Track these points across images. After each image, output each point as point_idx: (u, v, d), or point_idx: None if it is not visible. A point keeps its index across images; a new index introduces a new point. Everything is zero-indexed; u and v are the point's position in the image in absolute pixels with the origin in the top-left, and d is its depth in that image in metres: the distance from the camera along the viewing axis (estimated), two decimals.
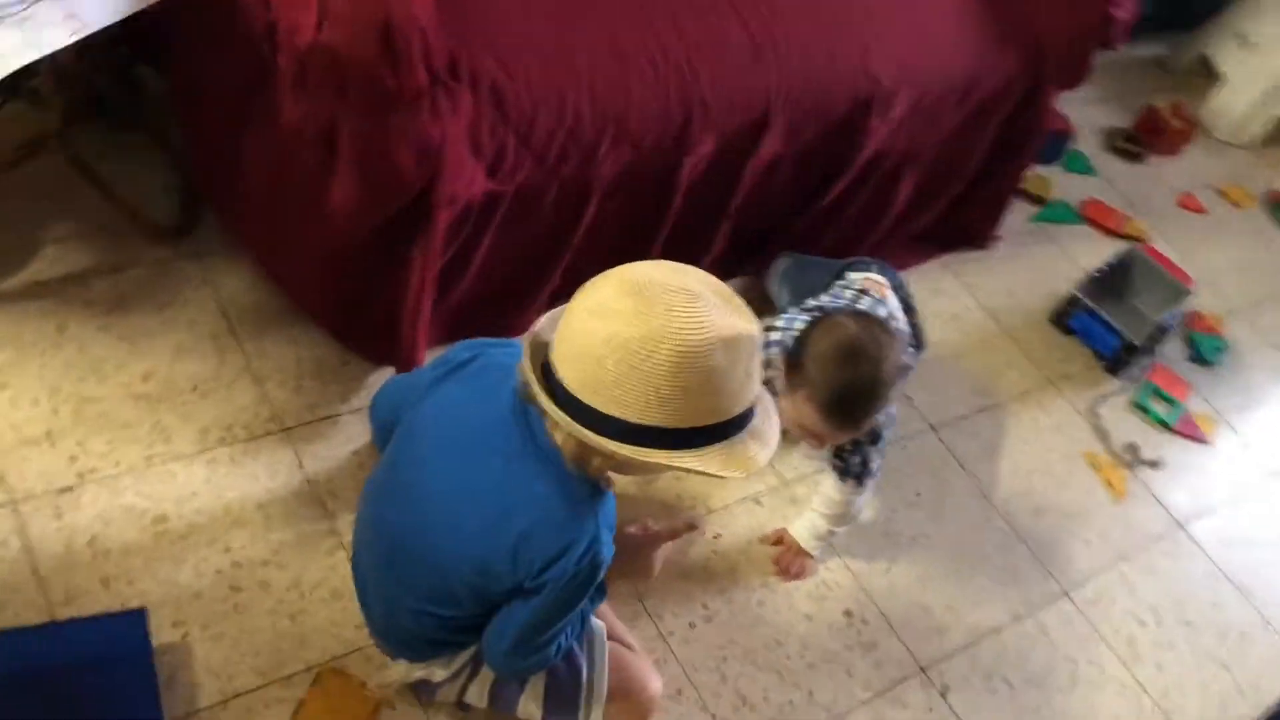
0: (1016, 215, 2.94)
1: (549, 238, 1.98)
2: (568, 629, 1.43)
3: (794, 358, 1.70)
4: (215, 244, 2.04)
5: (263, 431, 1.83)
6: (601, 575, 1.35)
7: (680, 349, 1.14)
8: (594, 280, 1.21)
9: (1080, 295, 2.61)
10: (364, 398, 1.92)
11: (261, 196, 1.86)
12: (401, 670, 1.56)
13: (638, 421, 1.18)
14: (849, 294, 1.98)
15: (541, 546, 1.29)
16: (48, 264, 1.92)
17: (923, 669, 1.93)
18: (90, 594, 1.59)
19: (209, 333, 1.92)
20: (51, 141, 1.83)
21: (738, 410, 1.21)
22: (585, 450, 1.25)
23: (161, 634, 1.57)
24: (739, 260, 2.43)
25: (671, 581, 1.89)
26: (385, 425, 1.52)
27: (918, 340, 2.09)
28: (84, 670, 1.46)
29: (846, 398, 1.66)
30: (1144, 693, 2.04)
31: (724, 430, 1.21)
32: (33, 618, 1.54)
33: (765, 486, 2.09)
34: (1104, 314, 2.59)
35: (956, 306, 2.64)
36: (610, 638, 1.64)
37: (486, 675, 1.54)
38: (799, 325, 1.82)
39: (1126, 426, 2.53)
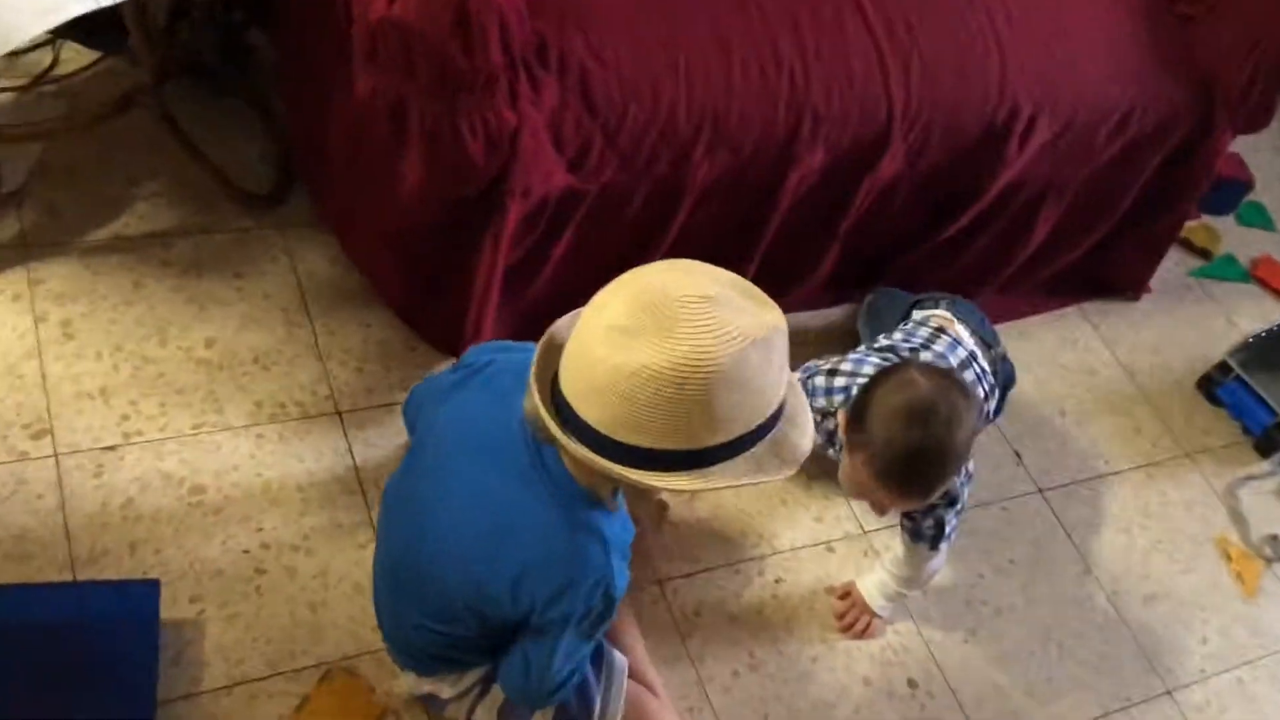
0: (1174, 267, 2.68)
1: (633, 242, 1.87)
2: (587, 658, 1.34)
3: (857, 411, 1.52)
4: (302, 218, 2.00)
5: (317, 412, 1.78)
6: (615, 610, 1.24)
7: (715, 370, 1.02)
8: (601, 295, 1.10)
9: (1232, 362, 2.34)
10: None
11: (341, 171, 1.81)
12: (409, 682, 1.48)
13: (674, 448, 1.07)
14: (924, 332, 1.81)
15: (543, 581, 1.20)
16: (135, 220, 1.91)
17: None
18: (115, 557, 1.56)
19: (280, 305, 1.89)
20: (145, 99, 1.82)
21: (776, 405, 1.11)
22: (597, 478, 1.14)
23: (177, 608, 1.54)
24: (848, 287, 2.27)
25: (720, 624, 1.75)
26: (412, 426, 1.45)
27: (1002, 384, 1.90)
28: (88, 633, 1.42)
29: (910, 465, 1.47)
30: None
31: (765, 428, 1.10)
32: (53, 574, 1.52)
33: (842, 533, 1.93)
34: (1258, 386, 2.31)
35: (1091, 360, 2.41)
36: (634, 676, 1.53)
37: (495, 697, 1.45)
38: (867, 370, 1.66)
39: (1269, 515, 2.25)
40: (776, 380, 1.09)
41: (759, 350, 1.04)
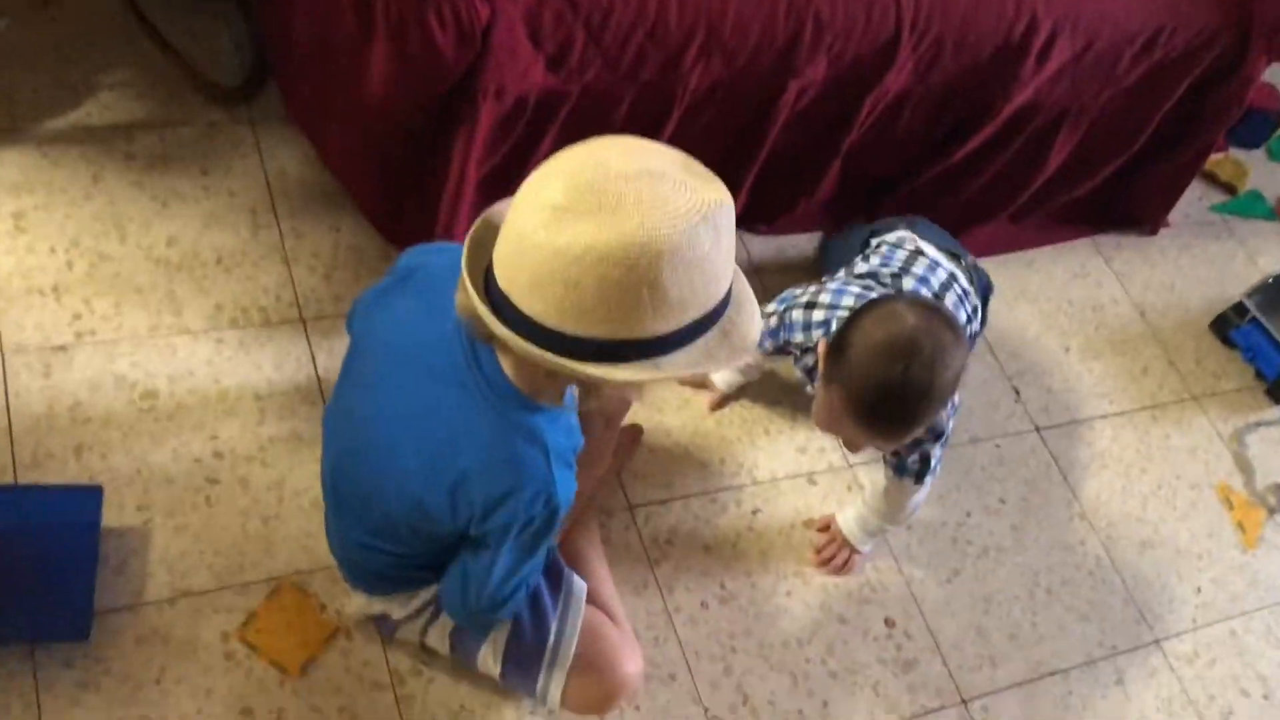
0: (1196, 201, 2.56)
1: None
2: (528, 581, 1.27)
3: (838, 344, 1.42)
4: (274, 114, 1.90)
5: (280, 318, 1.71)
6: (561, 519, 1.16)
7: (666, 248, 0.93)
8: (534, 175, 0.99)
9: (1249, 303, 2.23)
10: None
11: (309, 65, 1.72)
12: (360, 602, 1.43)
13: (624, 337, 0.97)
14: (900, 255, 1.71)
15: (482, 489, 1.12)
16: (98, 109, 1.82)
17: (964, 701, 1.68)
18: (59, 460, 1.50)
19: (248, 205, 1.80)
20: None
21: (725, 289, 1.02)
22: (541, 376, 1.06)
23: (123, 515, 1.48)
24: (850, 211, 2.16)
25: (692, 554, 1.69)
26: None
27: (981, 294, 1.80)
28: (25, 538, 1.36)
29: (888, 404, 1.37)
30: None
31: (715, 315, 1.02)
32: None
33: (825, 465, 1.85)
34: (1275, 329, 2.21)
35: (1100, 295, 2.30)
36: (596, 602, 1.47)
37: (447, 621, 1.40)
38: (847, 303, 1.57)
39: (1277, 463, 2.16)
40: (727, 260, 1.00)
41: (709, 228, 0.95)
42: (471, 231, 1.04)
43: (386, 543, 1.27)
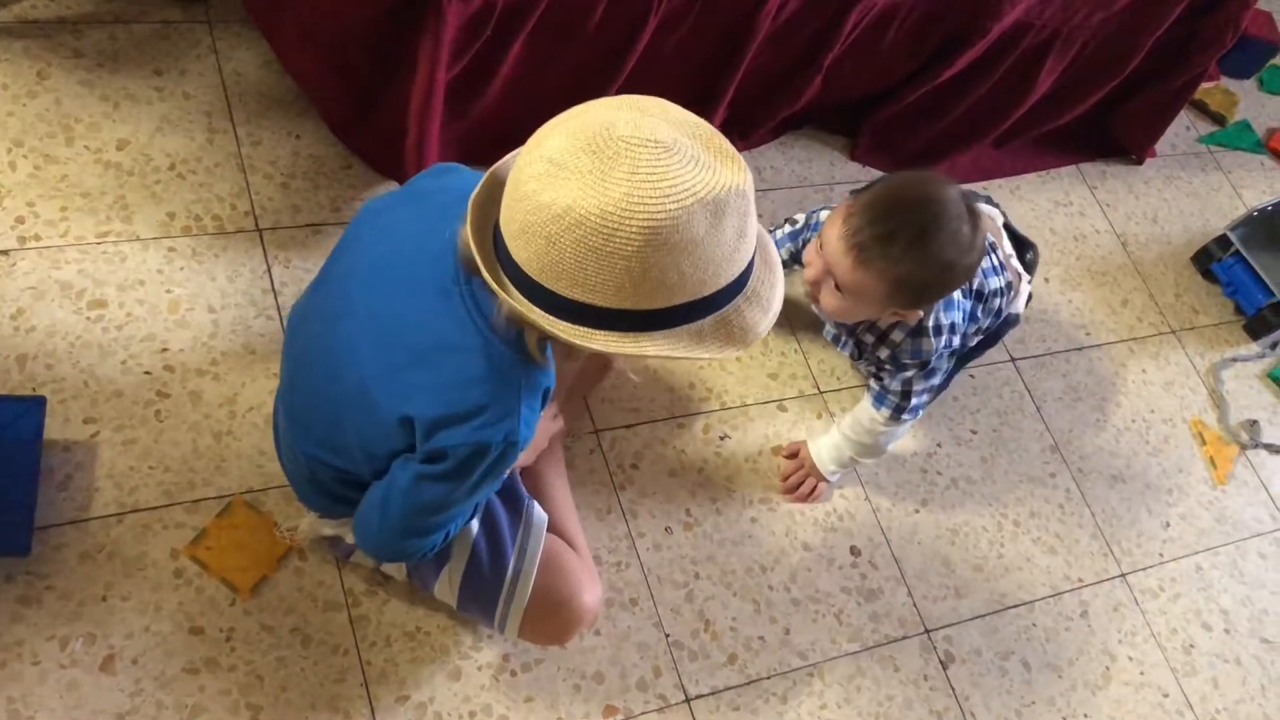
0: (1185, 131, 2.51)
1: (592, 65, 1.69)
2: (460, 516, 1.22)
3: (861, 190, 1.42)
4: (233, 13, 1.82)
5: (235, 228, 1.64)
6: (513, 459, 1.12)
7: (649, 225, 0.88)
8: (547, 124, 0.95)
9: (1233, 236, 2.19)
10: (357, 209, 1.70)
11: None
12: (311, 521, 1.39)
13: (606, 305, 0.93)
14: None
15: (441, 403, 1.06)
16: (43, 1, 1.73)
17: (927, 631, 1.67)
18: (1, 370, 1.44)
19: (203, 109, 1.72)
20: None
21: (728, 278, 0.96)
22: (526, 324, 1.01)
23: (69, 428, 1.43)
24: (828, 119, 2.10)
25: (657, 479, 1.66)
26: None
27: (1003, 321, 1.73)
28: None
29: (890, 207, 1.35)
30: (1189, 709, 1.74)
31: (715, 301, 0.97)
32: None
33: (796, 392, 1.82)
34: (1256, 263, 2.17)
35: (1083, 225, 2.26)
36: (556, 529, 1.44)
37: None
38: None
39: (1251, 400, 2.15)
40: (731, 249, 0.94)
41: (707, 212, 0.90)
42: (492, 169, 1.01)
43: (333, 455, 1.22)
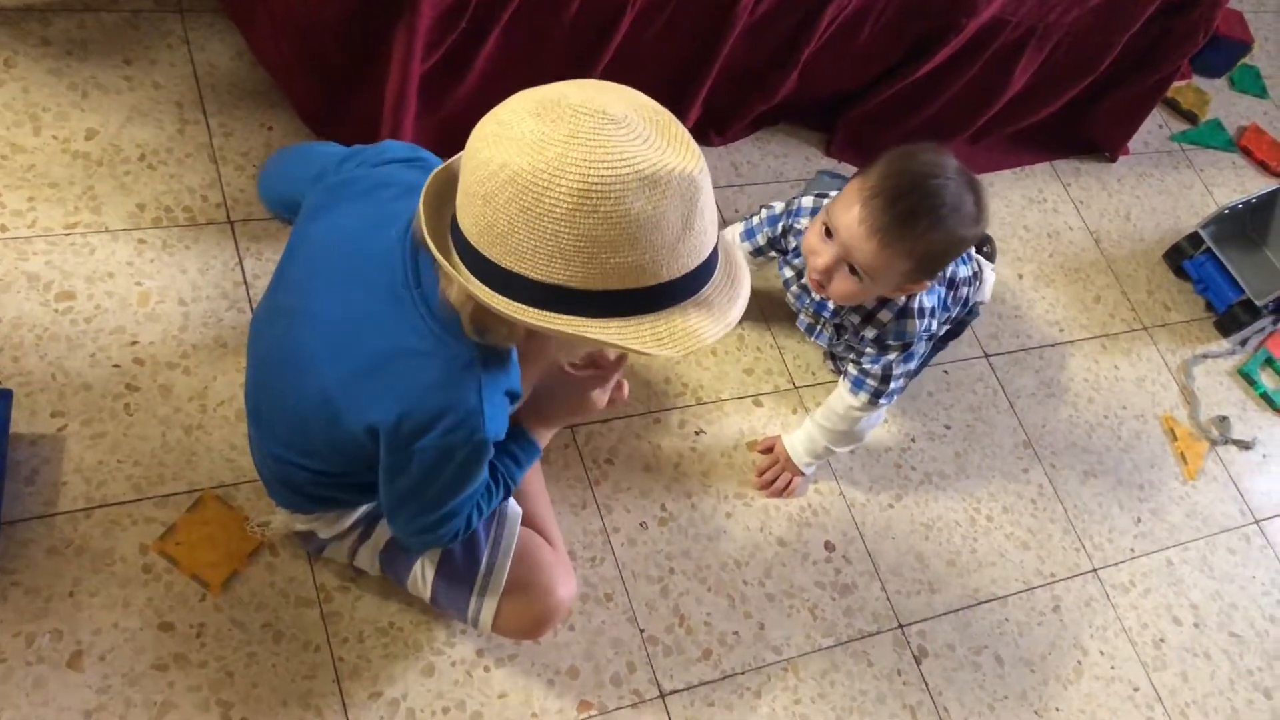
0: (1157, 129, 2.53)
1: (569, 55, 1.68)
2: (470, 513, 1.22)
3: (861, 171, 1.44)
4: (206, 3, 1.80)
5: (206, 219, 1.62)
6: (487, 454, 1.11)
7: (580, 187, 0.86)
8: (509, 98, 0.94)
9: (1204, 234, 2.21)
10: None
11: None
12: (283, 518, 1.37)
13: (539, 279, 0.91)
14: None
15: (402, 411, 1.05)
16: None
17: (901, 626, 1.68)
18: None
19: (174, 99, 1.70)
20: None
21: (674, 272, 0.94)
22: (484, 314, 1.00)
23: (36, 422, 1.41)
24: (804, 115, 2.10)
25: (632, 473, 1.65)
26: (282, 204, 1.30)
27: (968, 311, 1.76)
28: None
29: (906, 182, 1.37)
30: (1159, 702, 1.76)
31: (657, 297, 0.94)
32: None
33: (772, 387, 1.82)
34: (1227, 261, 2.19)
35: (1056, 222, 2.27)
36: (531, 523, 1.43)
37: (378, 541, 1.35)
38: None
39: (1222, 396, 2.17)
40: (676, 237, 0.91)
41: (645, 188, 0.88)
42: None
43: (301, 457, 1.21)
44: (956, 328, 1.74)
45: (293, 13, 1.57)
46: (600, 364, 1.34)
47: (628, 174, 0.87)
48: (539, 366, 1.29)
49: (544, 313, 0.93)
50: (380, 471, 1.14)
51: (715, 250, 0.98)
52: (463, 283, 0.95)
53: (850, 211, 1.39)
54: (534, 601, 1.36)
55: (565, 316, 0.93)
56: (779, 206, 1.67)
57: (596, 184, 0.86)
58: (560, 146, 0.86)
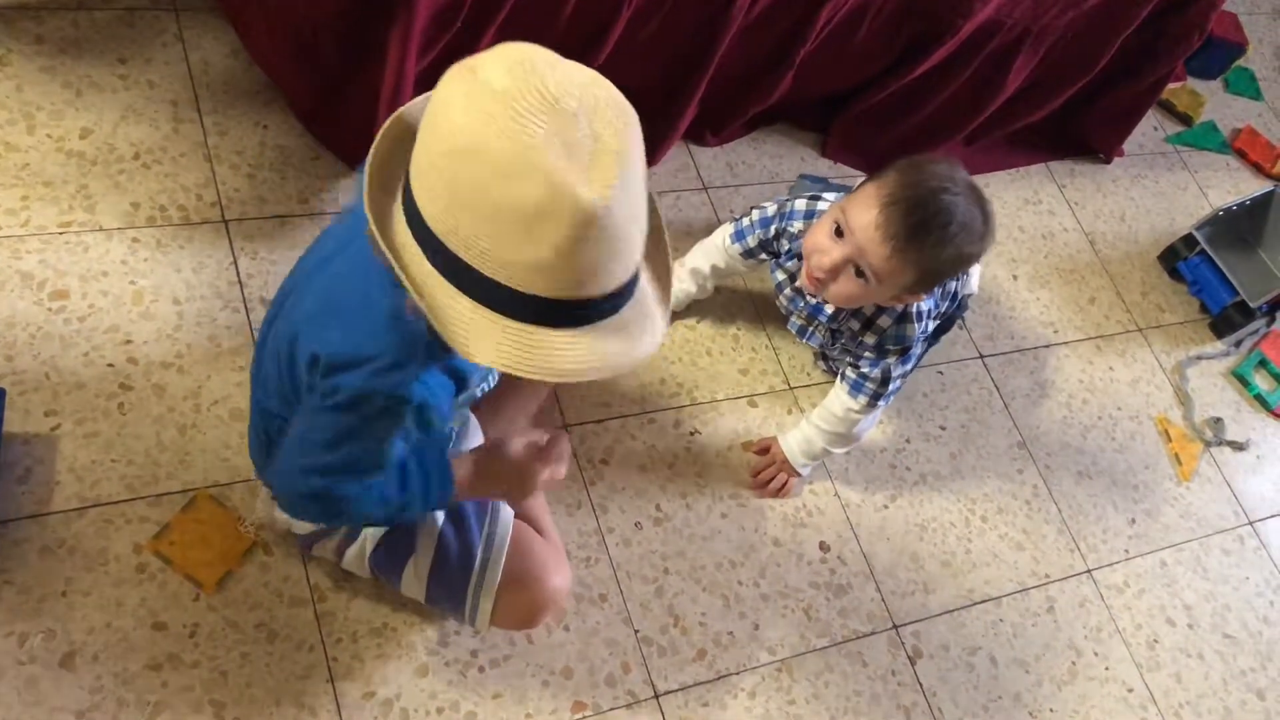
0: (1152, 131, 2.53)
1: (564, 55, 1.68)
2: (362, 494, 1.14)
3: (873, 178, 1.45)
4: (200, 1, 1.79)
5: (201, 219, 1.62)
6: (403, 417, 1.07)
7: (466, 142, 0.86)
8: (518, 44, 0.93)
9: (1199, 236, 2.21)
10: (324, 202, 1.69)
11: None
12: (265, 500, 1.36)
13: (429, 219, 0.90)
14: None
15: (346, 347, 1.04)
16: None
17: (895, 626, 1.68)
18: None
19: (169, 98, 1.70)
20: None
21: (569, 293, 0.90)
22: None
23: (29, 421, 1.40)
24: (800, 115, 2.10)
25: (628, 474, 1.65)
26: None
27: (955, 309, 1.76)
28: None
29: (921, 194, 1.38)
30: (1152, 703, 1.76)
31: (528, 308, 0.91)
32: None
33: (767, 387, 1.82)
34: (1221, 262, 2.20)
35: (1051, 223, 2.27)
36: (524, 515, 1.43)
37: (364, 545, 1.34)
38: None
39: (1216, 397, 2.17)
40: (528, 238, 0.87)
41: (521, 181, 0.85)
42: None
43: (267, 397, 1.21)
44: (945, 323, 1.74)
45: (288, 11, 1.56)
46: (539, 442, 1.25)
47: (515, 153, 0.84)
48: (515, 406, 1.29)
49: (426, 268, 0.92)
50: (300, 417, 1.13)
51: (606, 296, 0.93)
52: (374, 230, 0.93)
53: (869, 214, 1.39)
54: (527, 589, 1.34)
55: (419, 260, 0.92)
56: (771, 208, 1.67)
57: (481, 142, 0.84)
58: (488, 98, 0.85)
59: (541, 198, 0.85)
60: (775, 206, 1.66)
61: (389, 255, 0.93)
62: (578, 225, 0.86)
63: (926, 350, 1.74)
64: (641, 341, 0.98)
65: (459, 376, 1.10)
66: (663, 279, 1.05)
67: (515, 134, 0.84)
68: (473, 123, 0.85)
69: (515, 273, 0.89)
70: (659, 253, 1.05)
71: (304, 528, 1.34)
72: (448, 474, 1.20)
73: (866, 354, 1.61)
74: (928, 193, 1.38)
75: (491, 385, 1.30)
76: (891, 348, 1.59)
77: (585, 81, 0.90)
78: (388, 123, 1.01)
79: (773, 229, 1.65)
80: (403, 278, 0.92)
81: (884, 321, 1.57)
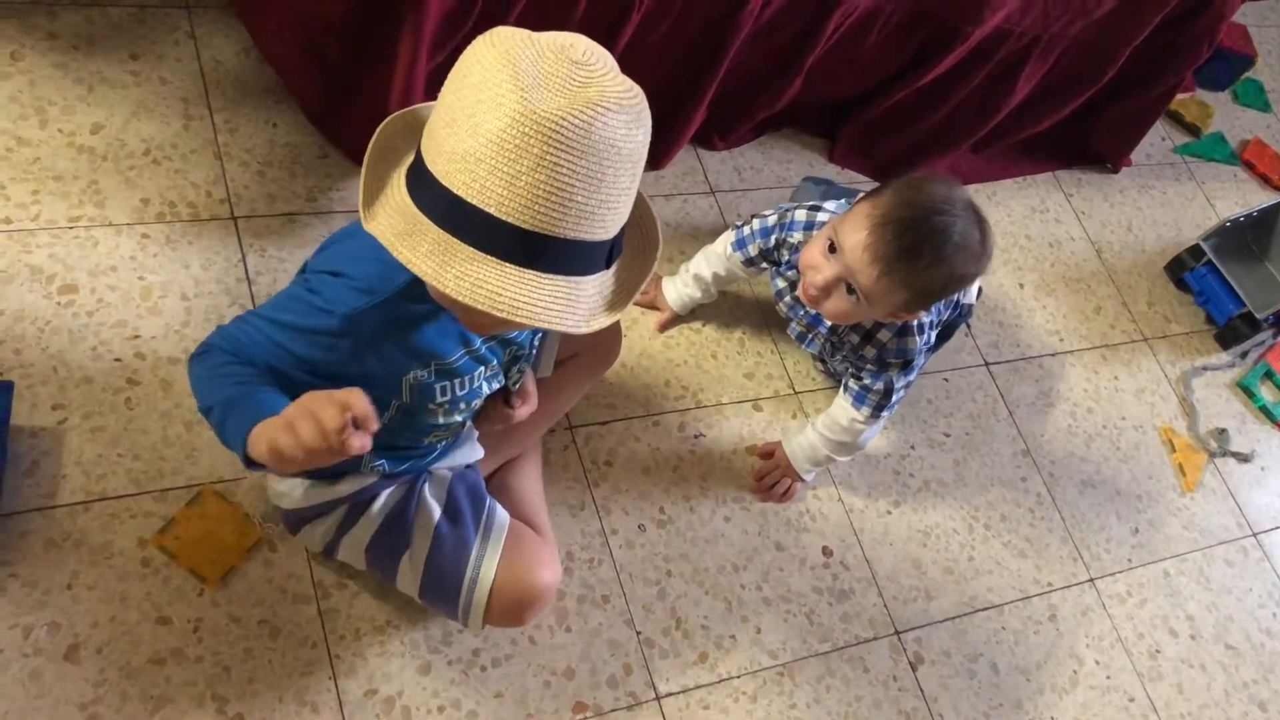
0: (1160, 141, 2.53)
1: None
2: (227, 350, 1.11)
3: (877, 190, 1.44)
4: None
5: (210, 215, 1.63)
6: (305, 304, 1.09)
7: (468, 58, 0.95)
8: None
9: (1205, 246, 2.21)
10: (333, 200, 1.70)
11: None
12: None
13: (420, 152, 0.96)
14: None
15: (331, 259, 1.14)
16: None
17: (898, 632, 1.68)
18: None
19: (180, 94, 1.71)
20: None
21: (490, 206, 0.90)
22: None
23: (37, 414, 1.41)
24: (808, 121, 2.11)
25: (632, 476, 1.65)
26: None
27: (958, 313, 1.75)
28: None
29: (915, 216, 1.36)
30: (1154, 713, 1.76)
31: (509, 245, 0.92)
32: None
33: (772, 391, 1.82)
34: (1228, 273, 2.20)
35: (1058, 232, 2.27)
36: (523, 516, 1.43)
37: (360, 535, 1.33)
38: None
39: (1221, 408, 2.17)
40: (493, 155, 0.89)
41: (505, 73, 0.89)
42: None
43: None
44: (947, 330, 1.74)
45: (299, 10, 1.57)
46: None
47: (500, 57, 0.90)
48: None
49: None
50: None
51: (568, 244, 0.94)
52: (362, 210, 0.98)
53: (858, 234, 1.39)
54: (517, 583, 1.32)
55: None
56: (771, 218, 1.66)
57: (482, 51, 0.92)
58: (501, 45, 0.92)
59: (499, 95, 0.88)
60: (776, 216, 1.66)
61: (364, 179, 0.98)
62: (522, 126, 0.87)
63: (928, 359, 1.74)
64: (559, 313, 0.95)
65: (423, 357, 1.12)
66: (631, 285, 1.04)
67: (526, 54, 0.90)
68: (485, 54, 0.91)
69: (453, 165, 0.91)
70: (644, 258, 1.07)
71: (289, 501, 1.33)
72: (245, 427, 1.01)
73: (869, 366, 1.61)
74: (920, 214, 1.37)
75: (486, 390, 1.29)
76: (893, 361, 1.59)
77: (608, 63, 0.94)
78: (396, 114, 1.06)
79: (773, 239, 1.65)
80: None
81: (884, 335, 1.57)
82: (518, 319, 0.93)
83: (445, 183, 0.92)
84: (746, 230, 1.68)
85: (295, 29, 1.61)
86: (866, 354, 1.60)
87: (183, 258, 1.58)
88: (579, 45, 0.92)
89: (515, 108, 0.87)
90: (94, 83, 1.67)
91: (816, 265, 1.45)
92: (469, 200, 0.91)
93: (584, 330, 0.98)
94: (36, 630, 1.29)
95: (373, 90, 1.61)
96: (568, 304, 0.95)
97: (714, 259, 1.74)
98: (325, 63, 1.64)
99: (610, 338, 1.54)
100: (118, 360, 1.48)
